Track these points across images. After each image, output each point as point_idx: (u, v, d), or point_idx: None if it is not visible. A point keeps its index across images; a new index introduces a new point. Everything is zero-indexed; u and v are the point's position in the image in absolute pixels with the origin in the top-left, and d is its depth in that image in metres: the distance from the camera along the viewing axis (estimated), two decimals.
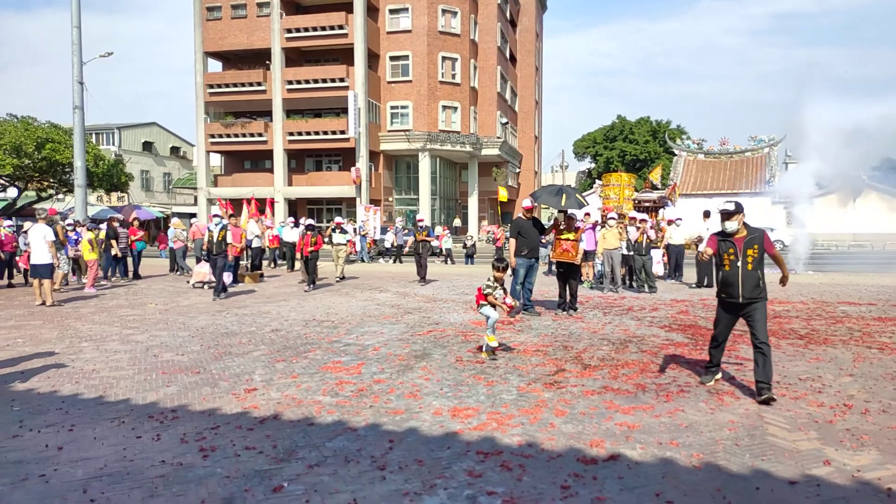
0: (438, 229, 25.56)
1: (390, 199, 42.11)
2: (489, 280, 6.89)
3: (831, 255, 26.40)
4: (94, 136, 46.11)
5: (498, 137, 44.22)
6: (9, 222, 16.33)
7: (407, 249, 18.07)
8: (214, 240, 12.40)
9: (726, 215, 5.42)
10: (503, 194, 21.20)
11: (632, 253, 13.30)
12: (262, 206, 22.55)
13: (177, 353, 7.25)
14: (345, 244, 16.04)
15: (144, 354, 7.17)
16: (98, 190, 34.49)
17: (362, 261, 23.02)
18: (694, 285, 13.71)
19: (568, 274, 9.98)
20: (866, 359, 6.72)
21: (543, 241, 10.85)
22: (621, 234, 12.97)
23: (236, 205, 22.45)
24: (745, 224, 5.49)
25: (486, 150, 42.75)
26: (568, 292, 10.01)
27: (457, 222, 37.57)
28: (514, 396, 5.32)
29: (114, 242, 15.61)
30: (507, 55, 50.23)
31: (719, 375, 5.82)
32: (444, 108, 40.90)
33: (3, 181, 31.54)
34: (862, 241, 31.68)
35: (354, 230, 23.00)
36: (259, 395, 5.45)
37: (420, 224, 15.48)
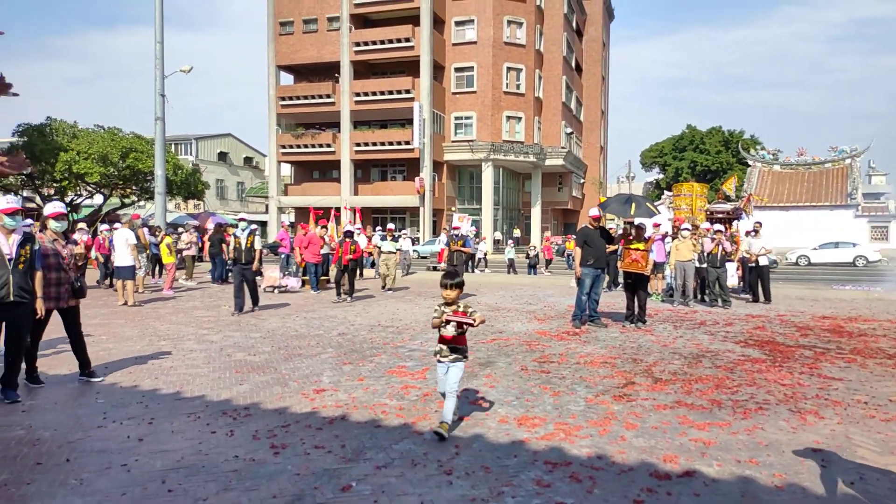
0: (479, 239, 25.10)
1: (453, 208, 42.31)
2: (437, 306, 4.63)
3: None
4: (173, 146, 48.47)
5: (562, 147, 43.82)
6: (105, 226, 17.24)
7: (442, 260, 17.32)
8: (243, 246, 10.88)
9: None
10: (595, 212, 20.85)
11: (705, 265, 12.85)
12: (327, 215, 23.13)
13: (249, 353, 7.47)
14: (394, 253, 15.58)
15: (218, 354, 7.42)
16: (176, 197, 36.15)
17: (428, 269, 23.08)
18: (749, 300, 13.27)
19: (637, 285, 9.73)
20: None
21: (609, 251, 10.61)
22: (695, 245, 12.54)
23: (304, 214, 23.10)
24: None
25: (549, 160, 42.43)
26: (636, 304, 9.76)
27: (516, 233, 37.20)
28: (581, 408, 5.20)
29: (224, 247, 16.19)
30: (573, 65, 49.80)
31: None
32: (508, 118, 40.88)
33: (90, 189, 33.50)
34: None
35: (414, 240, 22.93)
36: (327, 396, 5.54)
37: (455, 233, 14.52)
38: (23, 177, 30.74)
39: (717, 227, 13.64)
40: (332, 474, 3.78)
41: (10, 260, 5.26)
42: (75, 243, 6.36)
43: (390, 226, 16.81)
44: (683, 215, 17.45)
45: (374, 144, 39.49)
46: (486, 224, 39.12)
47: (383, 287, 15.15)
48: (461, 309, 4.49)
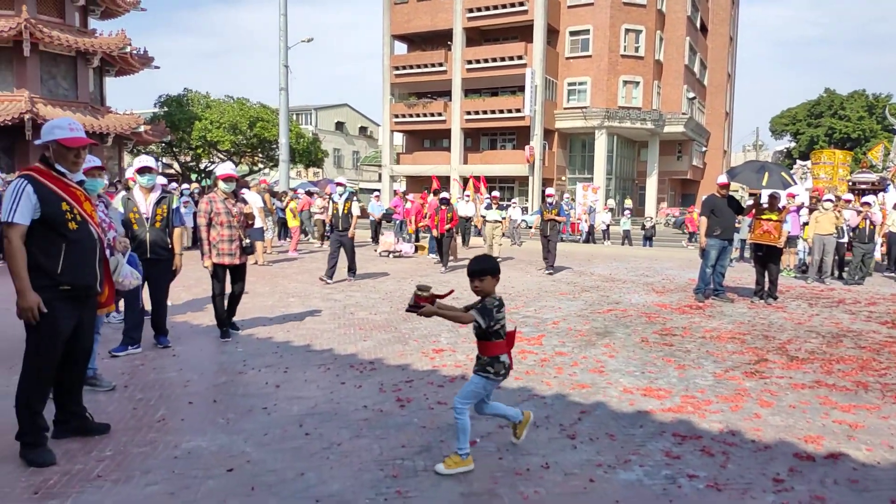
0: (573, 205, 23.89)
1: (563, 178, 41.49)
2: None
3: None
4: (294, 116, 50.76)
5: (683, 113, 41.52)
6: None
7: (532, 231, 15.36)
8: (340, 213, 10.36)
9: None
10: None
11: (845, 240, 11.79)
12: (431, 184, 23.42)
13: (370, 312, 7.78)
14: (500, 222, 15.05)
15: (342, 311, 7.79)
16: (298, 165, 37.99)
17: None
18: None
19: (767, 258, 9.10)
20: None
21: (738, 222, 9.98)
22: (837, 218, 11.52)
23: (415, 182, 23.50)
24: None
25: (668, 127, 40.35)
26: (767, 278, 9.15)
27: (628, 203, 35.71)
28: (710, 382, 4.98)
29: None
30: (698, 25, 46.74)
31: None
32: (625, 83, 39.22)
33: (221, 156, 35.93)
34: None
35: (524, 209, 22.73)
36: (446, 356, 5.67)
37: (549, 201, 12.68)
38: (163, 144, 33.43)
39: (868, 198, 12.40)
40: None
41: (146, 219, 5.62)
42: (244, 202, 6.47)
43: (495, 193, 16.52)
44: (823, 185, 16.07)
45: (485, 112, 39.28)
46: (599, 194, 38.01)
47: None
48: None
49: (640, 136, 41.75)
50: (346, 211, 10.32)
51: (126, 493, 3.02)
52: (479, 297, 3.38)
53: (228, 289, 6.36)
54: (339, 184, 10.96)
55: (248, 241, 6.25)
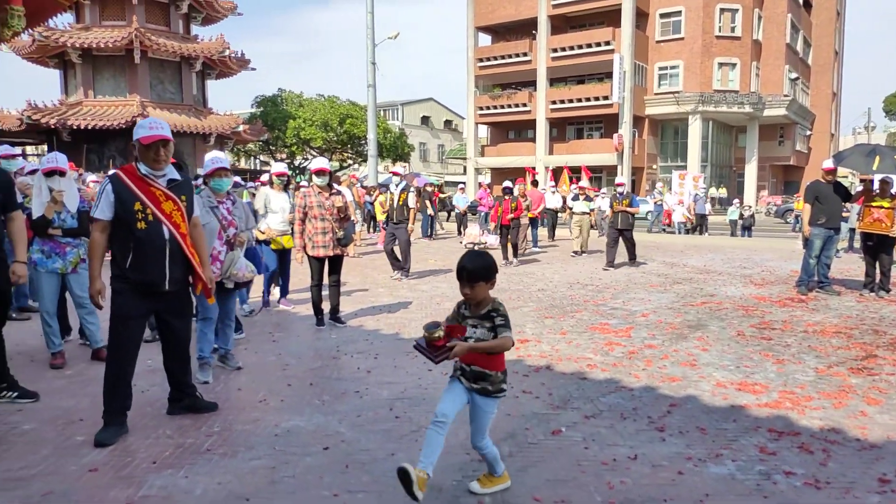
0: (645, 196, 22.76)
1: (654, 166, 40.10)
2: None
3: None
4: (381, 111, 51.85)
5: (785, 95, 39.02)
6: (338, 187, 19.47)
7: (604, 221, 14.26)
8: (395, 204, 9.75)
9: None
10: None
11: None
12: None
13: (455, 302, 7.89)
14: (587, 213, 14.29)
15: (429, 301, 7.96)
16: (385, 160, 38.85)
17: (649, 231, 21.98)
18: None
19: (879, 248, 8.47)
20: None
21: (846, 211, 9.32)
22: None
23: (500, 175, 23.50)
24: None
25: (769, 110, 38.04)
26: (878, 270, 8.52)
27: (722, 192, 34.04)
28: (811, 378, 4.74)
29: (428, 203, 18.13)
30: (801, 0, 43.73)
31: None
32: (721, 65, 37.33)
33: (314, 153, 37.29)
34: None
35: (616, 195, 22.07)
36: (531, 347, 5.69)
37: (620, 191, 11.79)
38: (260, 143, 35.11)
39: None
40: (542, 418, 3.91)
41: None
42: (339, 194, 6.59)
43: (583, 183, 16.09)
44: None
45: (570, 101, 38.55)
46: (700, 182, 36.49)
47: (576, 252, 13.53)
48: (473, 319, 2.86)
49: (737, 120, 39.64)
50: (401, 202, 9.75)
51: (233, 466, 3.27)
52: (473, 303, 2.84)
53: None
54: (394, 173, 10.57)
55: (341, 233, 6.33)
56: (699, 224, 21.71)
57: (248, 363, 5.18)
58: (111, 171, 3.77)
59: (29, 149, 23.50)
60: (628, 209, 11.44)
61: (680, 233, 20.89)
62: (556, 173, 21.93)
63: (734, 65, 37.47)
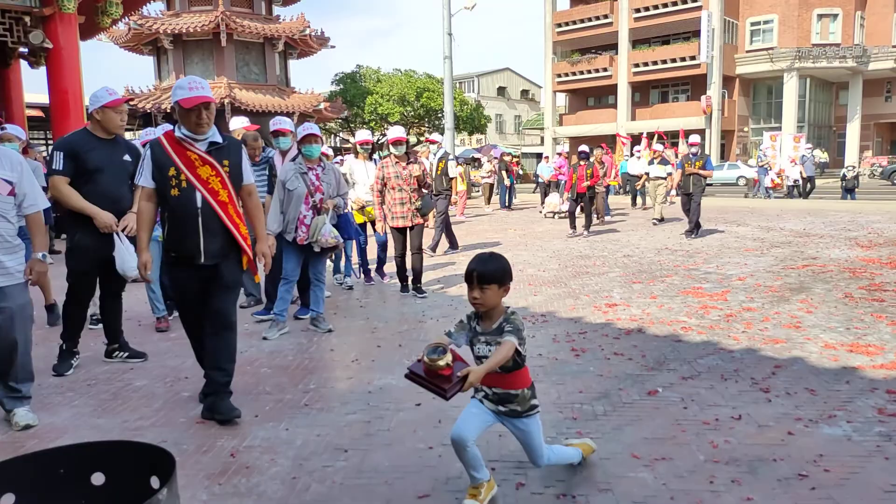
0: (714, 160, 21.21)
1: (746, 128, 37.92)
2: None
3: None
4: (458, 84, 51.58)
5: (894, 46, 35.75)
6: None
7: (673, 187, 12.93)
8: (433, 173, 9.16)
9: None
10: None
11: None
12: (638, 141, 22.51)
13: (538, 269, 7.80)
14: (664, 178, 13.17)
15: (512, 268, 7.87)
16: (462, 132, 38.73)
17: (755, 197, 20.84)
18: None
19: None
20: None
21: None
22: None
23: (579, 143, 22.87)
24: None
25: (874, 63, 35.01)
26: None
27: (824, 156, 31.45)
28: None
29: (505, 173, 18.44)
30: None
31: None
32: (820, 17, 34.64)
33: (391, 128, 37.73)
34: None
35: (689, 156, 20.83)
36: (620, 311, 5.54)
37: (693, 150, 10.58)
38: (340, 120, 35.78)
39: None
40: (636, 379, 3.80)
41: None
42: (417, 163, 6.47)
43: (657, 146, 15.26)
44: None
45: (654, 63, 36.90)
46: (787, 144, 34.26)
47: (656, 220, 12.58)
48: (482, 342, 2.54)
49: (838, 76, 36.76)
50: (439, 171, 9.19)
51: (330, 420, 3.37)
52: (483, 312, 2.54)
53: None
54: (431, 141, 10.20)
55: (419, 202, 6.29)
56: (807, 187, 20.46)
57: (339, 327, 5.31)
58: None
59: (128, 135, 24.98)
60: (700, 171, 10.34)
61: (791, 195, 19.91)
62: (636, 140, 21.10)
63: (835, 15, 34.67)
